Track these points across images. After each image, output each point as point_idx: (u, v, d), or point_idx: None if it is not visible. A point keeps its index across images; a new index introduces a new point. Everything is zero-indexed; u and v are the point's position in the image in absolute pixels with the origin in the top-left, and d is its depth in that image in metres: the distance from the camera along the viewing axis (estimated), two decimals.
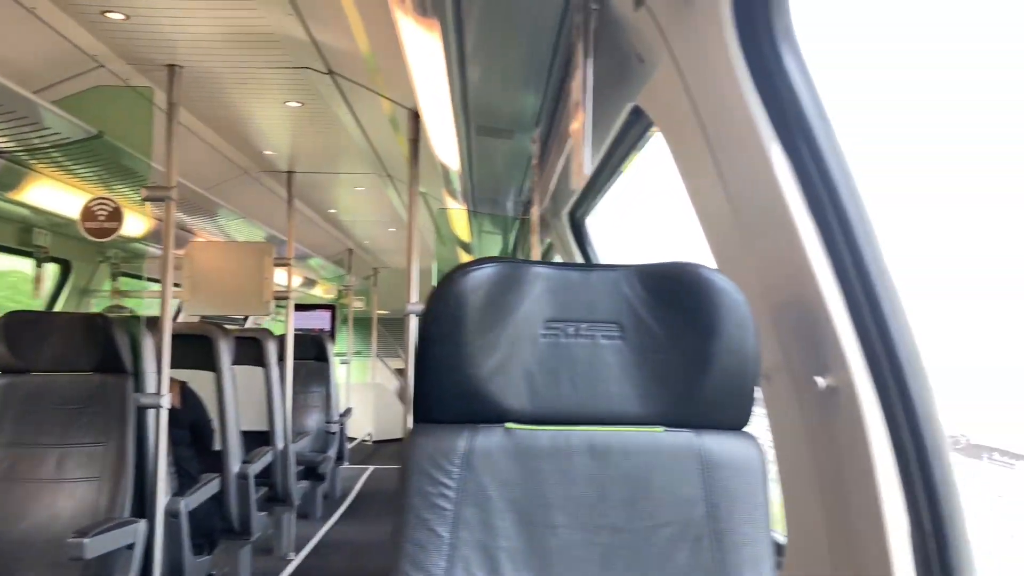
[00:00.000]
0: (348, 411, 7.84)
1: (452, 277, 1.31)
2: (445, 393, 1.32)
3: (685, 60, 1.75)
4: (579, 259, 4.14)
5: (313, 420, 6.98)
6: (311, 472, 6.35)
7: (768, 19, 1.55)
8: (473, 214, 4.46)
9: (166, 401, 3.28)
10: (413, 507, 1.28)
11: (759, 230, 1.71)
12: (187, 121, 4.13)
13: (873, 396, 1.52)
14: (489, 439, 1.31)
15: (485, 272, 1.31)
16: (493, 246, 6.10)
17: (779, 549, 2.02)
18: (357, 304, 10.48)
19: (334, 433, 7.03)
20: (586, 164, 1.93)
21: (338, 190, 6.18)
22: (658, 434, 1.33)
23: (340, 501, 7.34)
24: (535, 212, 3.44)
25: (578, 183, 2.12)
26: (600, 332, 1.34)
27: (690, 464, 1.32)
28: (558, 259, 4.55)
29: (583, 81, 1.86)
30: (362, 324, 12.10)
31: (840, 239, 1.56)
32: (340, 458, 7.40)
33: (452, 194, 4.08)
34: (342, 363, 9.99)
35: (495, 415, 1.31)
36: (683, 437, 1.33)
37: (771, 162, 1.57)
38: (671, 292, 1.34)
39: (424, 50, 2.25)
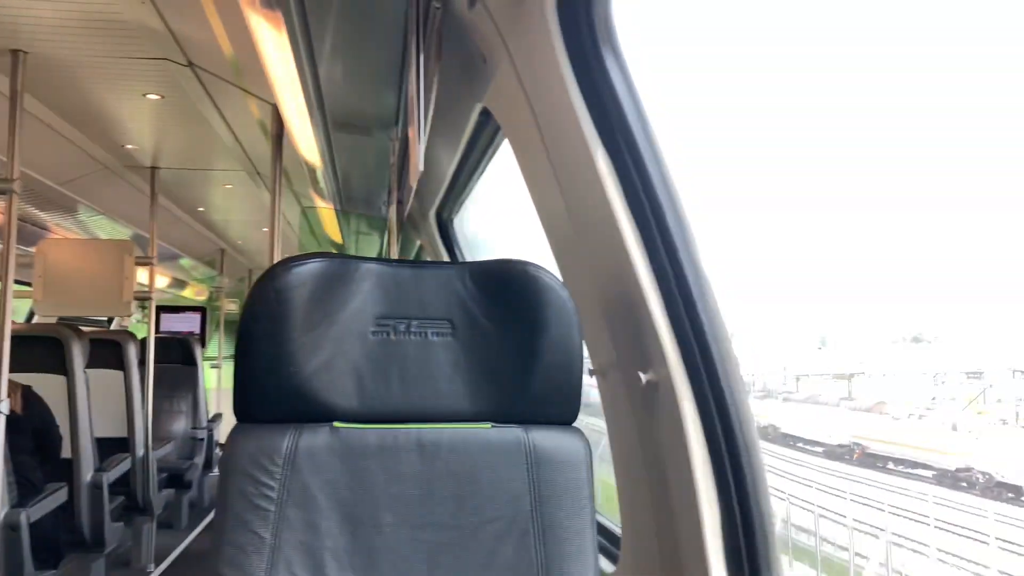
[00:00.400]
0: (218, 416, 7.68)
1: (273, 272, 1.31)
2: (268, 392, 1.32)
3: (521, 62, 1.81)
4: (446, 260, 4.20)
5: (179, 426, 6.82)
6: (176, 480, 6.21)
7: (591, 22, 1.61)
8: (344, 214, 4.46)
9: (4, 407, 3.17)
10: (233, 509, 1.28)
11: (591, 232, 1.77)
12: (39, 112, 3.99)
13: (688, 390, 1.61)
14: (315, 438, 1.31)
15: (310, 267, 1.32)
16: (370, 248, 6.10)
17: (618, 541, 2.10)
18: (231, 307, 10.28)
19: (202, 439, 6.89)
20: (419, 161, 1.97)
21: (206, 188, 6.05)
22: (486, 431, 1.37)
23: (208, 510, 7.16)
24: (393, 212, 3.47)
25: (413, 180, 2.17)
26: (431, 329, 1.36)
27: (517, 460, 1.36)
28: (427, 260, 4.60)
29: (417, 79, 1.90)
30: (236, 327, 11.82)
31: (658, 240, 1.63)
32: (208, 465, 7.23)
33: (320, 193, 4.08)
34: (213, 367, 9.78)
35: (322, 414, 1.32)
36: (511, 433, 1.37)
37: (597, 164, 1.64)
38: (500, 289, 1.38)
39: (275, 44, 2.27)
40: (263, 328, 1.30)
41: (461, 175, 2.98)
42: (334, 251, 6.46)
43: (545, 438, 1.37)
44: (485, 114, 2.31)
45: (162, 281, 9.48)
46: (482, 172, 2.91)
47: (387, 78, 2.46)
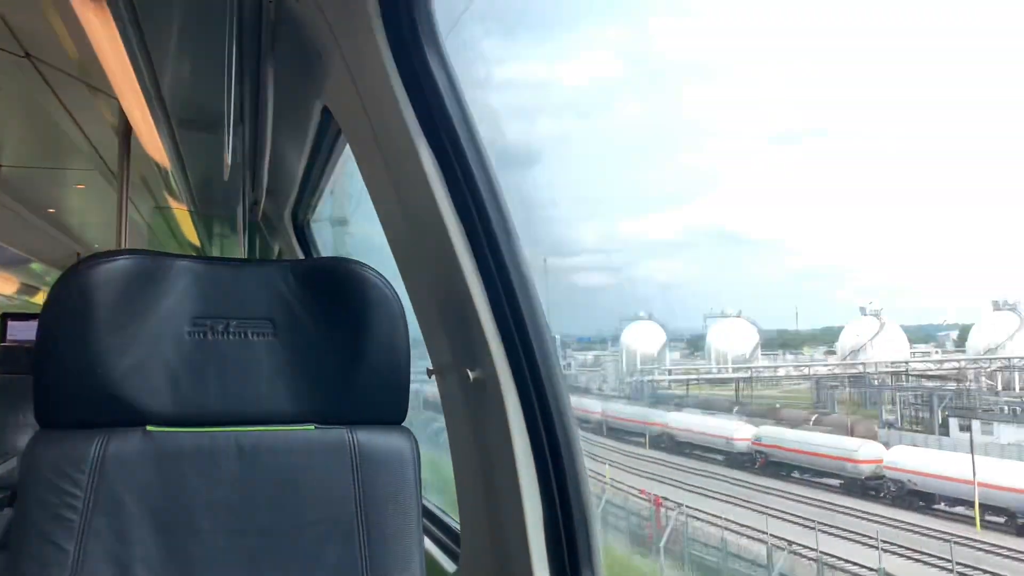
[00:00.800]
0: None
1: (77, 270, 1.28)
2: (73, 396, 1.28)
3: (352, 59, 1.83)
4: None
5: (27, 440, 6.55)
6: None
7: (412, 20, 1.65)
8: (201, 216, 4.39)
9: None
10: (32, 521, 1.24)
11: (424, 232, 1.81)
12: None
13: (512, 387, 1.67)
14: (125, 444, 1.28)
15: (118, 265, 1.29)
16: (232, 251, 5.99)
17: (458, 538, 2.15)
18: None
19: None
20: (266, 161, 1.99)
21: (57, 188, 5.83)
22: (309, 432, 1.37)
23: None
24: (243, 213, 3.44)
25: (263, 179, 2.18)
26: (252, 329, 1.36)
27: (342, 462, 1.36)
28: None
29: (256, 76, 1.91)
30: None
31: (483, 240, 1.69)
32: None
33: (173, 194, 4.01)
34: None
35: (134, 418, 1.30)
36: (335, 434, 1.37)
37: (423, 164, 1.68)
38: (324, 288, 1.39)
39: (109, 37, 2.24)
40: (66, 328, 1.27)
41: (312, 174, 2.98)
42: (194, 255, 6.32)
43: (371, 439, 1.38)
44: (328, 112, 2.33)
45: (8, 287, 9.08)
46: (332, 171, 2.92)
47: (228, 74, 2.46)
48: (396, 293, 1.42)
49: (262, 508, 1.33)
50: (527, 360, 1.66)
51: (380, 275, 1.42)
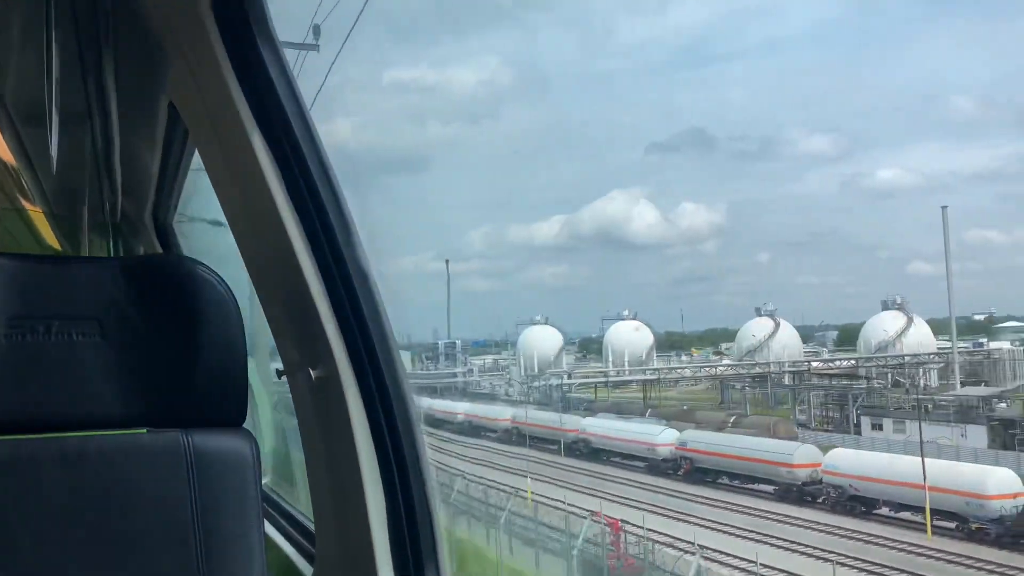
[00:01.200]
0: None
1: None
2: None
3: (191, 53, 1.82)
4: None
5: None
6: None
7: (245, 16, 1.66)
8: (57, 217, 4.27)
9: None
10: None
11: (265, 231, 1.81)
12: None
13: (354, 385, 1.69)
14: None
15: None
16: (96, 255, 5.83)
17: (313, 537, 2.16)
18: None
19: None
20: (116, 158, 1.94)
21: None
22: (140, 436, 1.35)
23: None
24: (101, 213, 3.37)
25: (116, 178, 2.15)
26: (76, 330, 1.32)
27: (176, 466, 1.34)
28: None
29: (97, 69, 1.88)
30: None
31: (323, 240, 1.70)
32: None
33: (26, 195, 3.90)
34: None
35: None
36: (169, 438, 1.36)
37: (260, 162, 1.68)
38: (155, 286, 1.38)
39: None
40: None
41: (167, 173, 2.93)
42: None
43: (207, 441, 1.37)
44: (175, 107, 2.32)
45: None
46: (187, 170, 2.88)
47: (71, 68, 2.42)
48: (231, 291, 1.41)
49: (90, 517, 1.30)
50: (369, 360, 1.68)
51: (214, 272, 1.41)
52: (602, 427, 58.04)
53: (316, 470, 1.91)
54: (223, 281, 1.42)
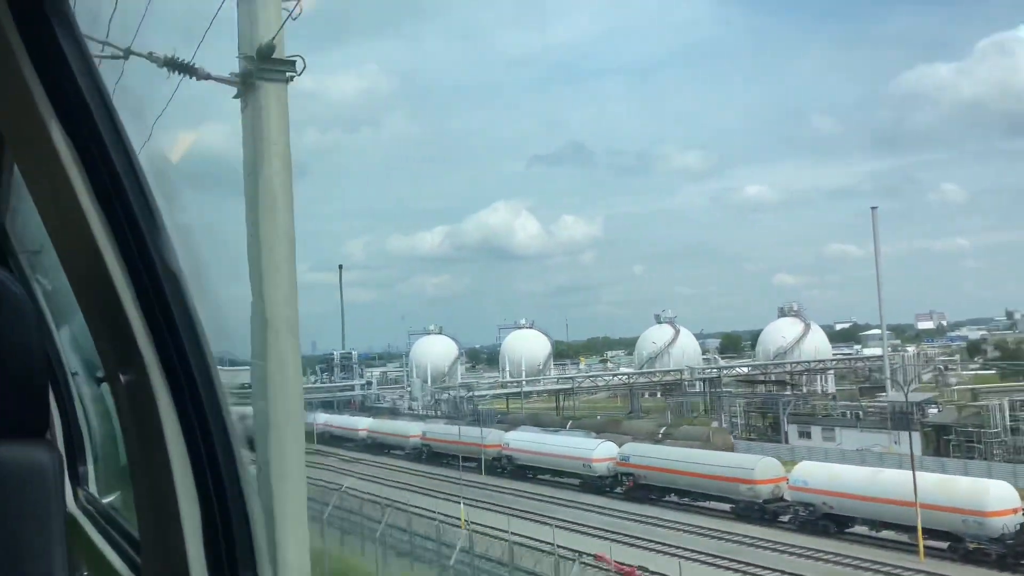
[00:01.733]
0: None
1: None
2: None
3: None
4: None
5: None
6: None
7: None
8: None
9: None
10: None
11: (74, 228, 1.73)
12: None
13: (166, 392, 1.66)
14: None
15: None
16: None
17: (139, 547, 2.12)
18: None
19: None
20: None
21: None
22: None
23: None
24: None
25: None
26: None
27: None
28: None
29: None
30: None
31: (129, 237, 1.66)
32: None
33: None
34: None
35: None
36: None
37: (59, 151, 1.63)
38: None
39: None
40: None
41: None
42: None
43: (5, 453, 1.35)
44: None
45: None
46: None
47: None
48: (23, 290, 1.39)
49: None
50: (182, 365, 1.66)
51: (6, 274, 1.39)
52: (529, 441, 56.50)
53: (138, 478, 1.89)
54: (14, 280, 1.40)
